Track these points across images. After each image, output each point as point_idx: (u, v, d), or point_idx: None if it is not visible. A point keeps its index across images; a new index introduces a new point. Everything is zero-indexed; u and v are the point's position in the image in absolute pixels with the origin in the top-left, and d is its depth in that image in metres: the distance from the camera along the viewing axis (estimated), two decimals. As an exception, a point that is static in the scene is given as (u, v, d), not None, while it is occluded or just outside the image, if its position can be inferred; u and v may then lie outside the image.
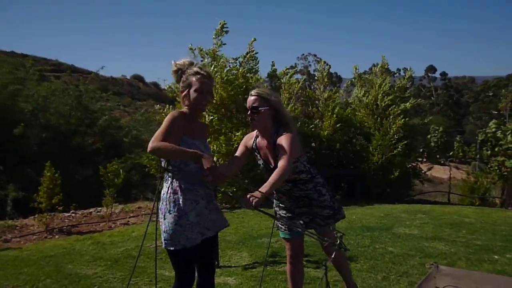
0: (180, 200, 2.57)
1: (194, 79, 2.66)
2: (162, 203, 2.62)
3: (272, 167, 2.96)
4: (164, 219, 2.59)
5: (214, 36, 9.30)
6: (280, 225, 3.22)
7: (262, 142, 3.04)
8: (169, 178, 2.63)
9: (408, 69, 12.64)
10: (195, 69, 2.70)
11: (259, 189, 2.59)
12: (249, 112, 2.96)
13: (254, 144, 3.07)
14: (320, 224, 3.06)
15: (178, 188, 2.58)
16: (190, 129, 2.65)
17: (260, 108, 2.92)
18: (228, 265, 4.81)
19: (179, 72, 2.72)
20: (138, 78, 64.33)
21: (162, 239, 2.61)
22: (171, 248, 2.57)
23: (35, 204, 6.99)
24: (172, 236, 2.55)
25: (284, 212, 3.17)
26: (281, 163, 2.73)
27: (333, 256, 2.95)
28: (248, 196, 2.50)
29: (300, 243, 3.25)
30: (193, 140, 2.63)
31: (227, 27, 9.23)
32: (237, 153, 3.07)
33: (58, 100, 15.95)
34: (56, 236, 6.69)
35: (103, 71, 43.45)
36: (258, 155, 3.06)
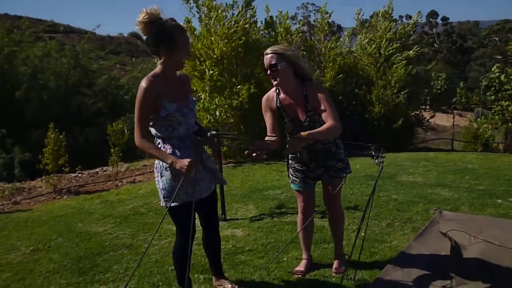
0: (177, 155, 2.53)
1: (177, 31, 2.49)
2: (158, 162, 2.59)
3: (302, 121, 2.97)
4: (161, 176, 2.57)
5: None
6: (294, 178, 3.24)
7: (286, 99, 3.01)
8: (160, 140, 2.60)
9: (416, 14, 12.16)
10: (174, 22, 2.50)
11: (302, 133, 2.72)
12: (268, 71, 2.92)
13: (277, 103, 3.03)
14: (333, 176, 3.13)
15: (171, 146, 2.56)
16: (169, 90, 2.53)
17: (278, 65, 2.88)
18: (235, 217, 4.90)
19: (150, 22, 2.46)
20: (136, 35, 63.13)
21: (161, 196, 2.62)
22: (172, 205, 2.56)
23: (41, 165, 7.04)
24: (171, 193, 2.53)
25: (299, 165, 3.18)
26: (332, 121, 2.81)
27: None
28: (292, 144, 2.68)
29: (312, 195, 3.29)
30: (174, 103, 2.52)
31: None
32: (269, 121, 3.03)
33: (54, 61, 15.78)
34: (65, 197, 6.79)
35: (99, 30, 42.75)
36: (284, 113, 3.03)
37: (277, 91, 3.04)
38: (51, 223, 5.16)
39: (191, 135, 2.67)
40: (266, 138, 2.84)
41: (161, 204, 2.66)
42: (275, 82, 2.93)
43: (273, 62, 2.89)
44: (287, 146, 2.76)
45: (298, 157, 3.12)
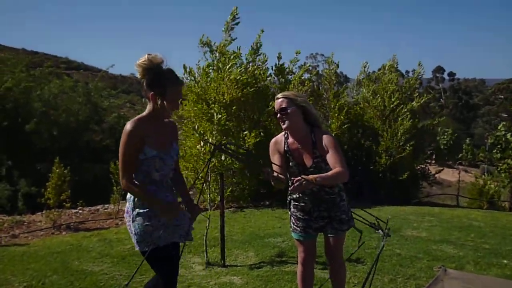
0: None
1: (170, 83, 2.52)
2: (129, 206, 2.56)
3: (308, 167, 2.97)
4: (133, 221, 2.53)
5: (224, 29, 9.20)
6: (295, 226, 3.18)
7: (294, 143, 3.02)
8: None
9: (418, 66, 12.37)
10: (170, 73, 2.55)
11: (312, 176, 2.70)
12: (278, 114, 2.96)
13: (285, 146, 3.05)
14: (336, 228, 3.07)
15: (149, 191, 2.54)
16: (153, 135, 2.53)
17: (288, 109, 2.93)
18: (234, 264, 4.81)
19: (148, 68, 2.50)
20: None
21: (134, 241, 2.55)
22: (146, 249, 2.51)
23: (43, 199, 7.03)
24: (144, 237, 2.50)
25: (301, 214, 3.12)
26: (340, 168, 2.82)
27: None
28: (300, 179, 2.62)
29: (313, 246, 3.21)
30: (154, 150, 2.52)
31: (238, 17, 9.09)
32: (280, 163, 3.02)
33: (68, 97, 16.16)
34: (63, 233, 6.73)
35: (112, 69, 43.77)
36: (291, 157, 3.04)
37: (286, 135, 3.06)
38: (47, 259, 5.08)
39: (166, 181, 2.66)
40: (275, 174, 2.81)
41: (136, 249, 2.59)
42: (284, 126, 2.96)
43: (283, 106, 2.94)
44: (293, 185, 2.70)
45: (301, 205, 3.08)
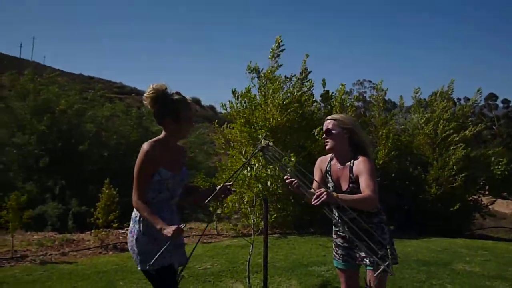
0: (153, 226, 2.51)
1: (181, 106, 2.65)
2: (134, 226, 2.59)
3: (343, 191, 2.92)
4: (137, 242, 2.56)
5: (270, 56, 9.38)
6: (334, 253, 3.09)
7: (336, 165, 3.01)
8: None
9: (475, 93, 11.87)
10: (178, 96, 2.67)
11: (335, 193, 2.61)
12: (324, 135, 3.01)
13: (328, 166, 3.06)
14: (372, 261, 2.86)
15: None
16: (167, 157, 2.62)
17: (333, 131, 2.96)
18: (276, 292, 4.73)
19: (157, 97, 2.64)
20: (195, 101, 66.08)
21: (138, 260, 2.57)
22: (147, 268, 2.52)
23: (92, 219, 7.24)
24: (149, 257, 2.50)
25: (341, 241, 3.04)
26: (369, 192, 2.71)
27: None
28: (322, 191, 2.51)
29: (355, 277, 3.05)
30: (170, 174, 2.59)
31: (283, 45, 9.28)
32: (318, 180, 3.03)
33: (120, 121, 16.81)
34: (110, 252, 6.88)
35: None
36: (330, 178, 3.02)
37: (332, 156, 3.06)
38: (93, 278, 5.20)
39: (174, 203, 2.73)
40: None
41: (138, 268, 2.60)
42: (327, 147, 2.98)
43: (329, 127, 2.98)
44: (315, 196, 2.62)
45: (341, 232, 2.98)
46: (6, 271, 5.64)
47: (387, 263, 2.71)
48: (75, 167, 14.83)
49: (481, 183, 12.14)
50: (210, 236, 8.48)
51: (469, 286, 5.05)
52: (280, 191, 6.02)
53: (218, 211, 8.82)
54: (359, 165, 2.85)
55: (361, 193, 2.79)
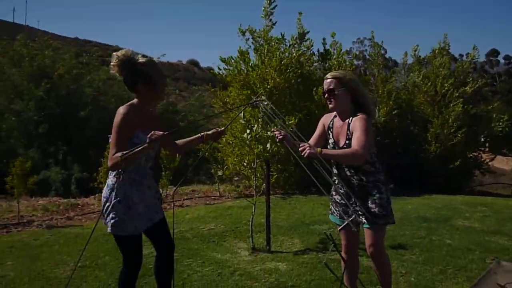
0: (131, 192, 2.61)
1: (150, 68, 2.62)
2: (111, 193, 2.61)
3: (340, 146, 2.95)
4: (112, 208, 2.59)
5: (262, 15, 9.15)
6: (334, 209, 3.13)
7: (338, 122, 3.02)
8: (120, 170, 2.61)
9: (472, 50, 11.65)
10: (145, 58, 2.64)
11: (321, 148, 2.65)
12: (326, 95, 2.97)
13: (331, 123, 3.06)
14: (369, 219, 2.88)
15: (128, 180, 2.60)
16: (143, 121, 2.62)
17: (336, 91, 2.92)
18: (279, 250, 4.82)
19: (125, 64, 2.62)
20: (194, 63, 65.32)
21: (109, 224, 2.61)
22: (118, 234, 2.62)
23: (96, 183, 7.30)
24: (121, 224, 2.59)
25: (338, 198, 3.07)
26: (356, 147, 2.71)
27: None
28: (306, 145, 2.56)
29: (355, 234, 3.07)
30: (145, 136, 2.53)
31: (274, 1, 9.02)
32: (316, 134, 3.10)
33: (117, 83, 16.63)
34: (115, 215, 6.97)
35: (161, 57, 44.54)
36: (331, 134, 3.04)
37: (336, 114, 3.06)
38: (100, 240, 5.29)
39: (150, 168, 2.77)
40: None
41: (108, 231, 2.66)
42: (330, 106, 2.97)
43: (331, 87, 2.94)
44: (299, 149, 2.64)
45: (338, 189, 3.01)
46: (14, 236, 5.74)
47: (352, 217, 2.79)
48: (76, 132, 14.83)
49: (482, 140, 12.15)
50: (212, 197, 8.57)
51: (468, 241, 5.14)
52: (281, 151, 6.05)
53: (219, 172, 8.92)
54: (356, 122, 2.84)
55: None
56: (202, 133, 2.92)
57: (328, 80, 2.97)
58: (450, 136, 10.52)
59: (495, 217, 6.54)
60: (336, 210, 3.10)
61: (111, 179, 2.65)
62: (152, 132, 2.43)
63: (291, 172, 9.09)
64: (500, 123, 11.87)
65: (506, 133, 11.93)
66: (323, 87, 3.02)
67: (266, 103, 2.90)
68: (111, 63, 2.64)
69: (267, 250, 4.74)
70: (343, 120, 2.97)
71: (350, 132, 2.87)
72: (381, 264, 3.01)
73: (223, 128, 2.97)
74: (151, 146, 2.45)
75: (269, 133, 4.77)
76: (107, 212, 2.62)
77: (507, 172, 25.02)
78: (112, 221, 2.60)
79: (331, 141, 3.03)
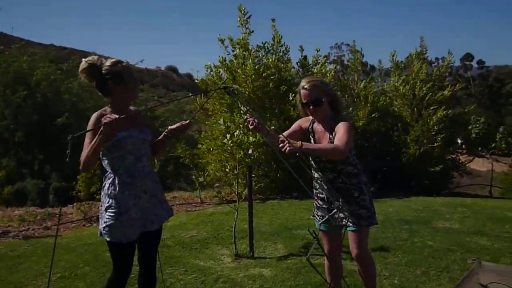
0: (121, 196, 2.54)
1: (119, 68, 2.59)
2: (104, 197, 2.59)
3: None
4: (105, 211, 2.56)
5: (239, 24, 9.20)
6: (316, 216, 3.12)
7: (318, 127, 3.02)
8: (111, 173, 2.60)
9: (447, 55, 11.95)
10: (112, 60, 2.62)
11: (302, 142, 2.62)
12: (311, 106, 2.91)
13: (310, 127, 3.06)
14: (354, 223, 2.88)
15: (118, 184, 2.55)
16: (122, 122, 2.53)
17: (323, 99, 2.90)
18: (262, 256, 4.79)
19: (94, 68, 2.60)
20: (172, 69, 65.07)
21: (101, 227, 2.59)
22: (107, 239, 2.57)
23: (74, 193, 7.16)
24: (111, 229, 2.53)
25: (321, 202, 3.05)
26: (338, 142, 2.74)
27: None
28: (285, 141, 2.55)
29: (338, 237, 3.08)
30: (127, 132, 2.54)
31: (247, 12, 9.07)
32: (291, 130, 3.10)
33: (96, 91, 16.36)
34: (94, 225, 6.84)
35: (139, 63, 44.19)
36: (312, 139, 3.04)
37: (314, 120, 3.07)
38: (79, 250, 5.18)
39: (141, 168, 2.65)
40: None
41: (98, 234, 2.63)
42: (315, 116, 2.97)
43: (317, 97, 2.89)
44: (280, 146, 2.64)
45: (321, 193, 3.01)
46: (-12, 248, 5.57)
47: (333, 212, 2.87)
48: (54, 140, 14.54)
49: (460, 142, 12.37)
50: (194, 204, 8.50)
51: (449, 242, 5.19)
52: (263, 157, 6.04)
53: (200, 179, 8.85)
54: (339, 125, 2.84)
55: None
56: (166, 129, 2.83)
57: (308, 92, 2.91)
58: (430, 139, 10.67)
59: (475, 217, 6.63)
60: (318, 216, 3.09)
61: (105, 184, 2.61)
62: (106, 115, 2.41)
63: (273, 178, 9.08)
64: (477, 125, 12.11)
65: (482, 135, 12.18)
66: (299, 96, 2.97)
67: (235, 87, 2.86)
68: (79, 69, 2.62)
69: (250, 256, 4.71)
70: (324, 125, 2.98)
71: (333, 136, 2.86)
72: (366, 266, 3.01)
73: (188, 120, 2.85)
74: (105, 130, 2.37)
75: (250, 138, 4.75)
76: (101, 217, 2.59)
77: (483, 173, 25.51)
78: (103, 225, 2.56)
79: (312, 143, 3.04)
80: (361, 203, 2.91)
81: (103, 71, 2.59)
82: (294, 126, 3.14)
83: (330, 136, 2.90)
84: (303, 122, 3.12)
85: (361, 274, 3.10)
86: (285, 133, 2.96)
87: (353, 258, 3.46)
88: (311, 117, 3.06)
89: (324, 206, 3.03)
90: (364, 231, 2.93)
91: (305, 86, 2.92)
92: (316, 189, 3.07)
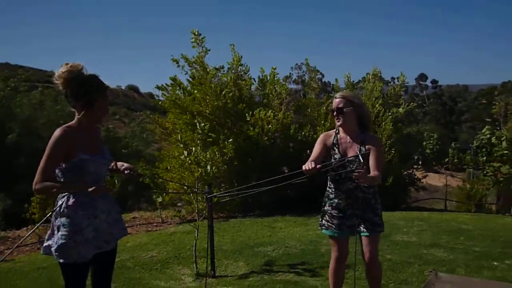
0: (75, 215, 2.44)
1: (96, 90, 2.48)
2: (57, 218, 2.48)
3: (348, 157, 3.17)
4: (58, 231, 2.45)
5: (193, 46, 9.06)
6: (329, 224, 3.25)
7: (343, 138, 3.22)
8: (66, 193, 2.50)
9: (400, 74, 12.40)
10: (95, 80, 2.50)
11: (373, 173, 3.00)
12: (335, 113, 3.18)
13: (335, 139, 3.24)
14: (370, 229, 3.15)
15: (73, 203, 2.46)
16: (83, 141, 2.49)
17: (345, 109, 3.14)
18: (224, 274, 4.73)
19: (71, 77, 2.44)
20: (133, 88, 64.28)
21: (53, 250, 2.47)
22: (61, 261, 2.45)
23: (27, 215, 6.88)
24: (64, 250, 2.42)
25: (335, 211, 3.22)
26: (375, 171, 3.04)
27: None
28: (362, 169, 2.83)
29: (346, 244, 3.28)
30: (90, 156, 2.48)
31: (200, 34, 8.94)
32: (317, 151, 3.21)
33: (50, 109, 15.91)
34: (49, 248, 6.57)
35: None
36: (337, 150, 3.20)
37: (337, 131, 3.28)
38: (33, 274, 4.96)
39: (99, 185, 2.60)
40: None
41: (50, 255, 2.51)
42: (339, 123, 3.19)
43: (340, 106, 3.16)
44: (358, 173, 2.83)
45: (337, 202, 3.19)
46: None
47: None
48: (4, 160, 13.94)
49: (415, 158, 12.77)
50: (155, 224, 8.33)
51: (407, 255, 5.31)
52: (223, 174, 6.02)
53: (159, 199, 8.74)
54: (374, 141, 3.18)
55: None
56: (115, 162, 2.75)
57: (338, 100, 3.18)
58: (384, 154, 10.93)
59: (431, 230, 6.82)
60: (334, 224, 3.24)
61: (58, 202, 2.48)
62: (96, 186, 2.39)
63: (234, 195, 9.05)
64: (431, 142, 12.54)
65: (436, 151, 12.62)
66: (332, 106, 3.24)
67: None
68: (59, 73, 2.43)
69: (211, 275, 4.64)
70: (352, 136, 3.20)
71: (365, 147, 3.13)
72: (377, 269, 3.27)
73: (133, 173, 2.75)
74: (82, 190, 2.37)
75: (208, 155, 4.75)
76: (52, 236, 2.47)
77: (439, 188, 26.40)
78: (55, 246, 2.43)
79: (337, 156, 3.20)
80: (376, 211, 3.21)
81: (78, 85, 2.45)
82: (318, 145, 3.25)
83: (361, 147, 3.14)
84: (326, 138, 3.28)
85: (369, 279, 3.33)
86: (315, 157, 3.14)
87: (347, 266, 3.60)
88: (332, 132, 3.29)
89: (340, 214, 3.21)
90: (378, 236, 3.22)
91: (336, 96, 3.23)
92: (331, 199, 3.25)
